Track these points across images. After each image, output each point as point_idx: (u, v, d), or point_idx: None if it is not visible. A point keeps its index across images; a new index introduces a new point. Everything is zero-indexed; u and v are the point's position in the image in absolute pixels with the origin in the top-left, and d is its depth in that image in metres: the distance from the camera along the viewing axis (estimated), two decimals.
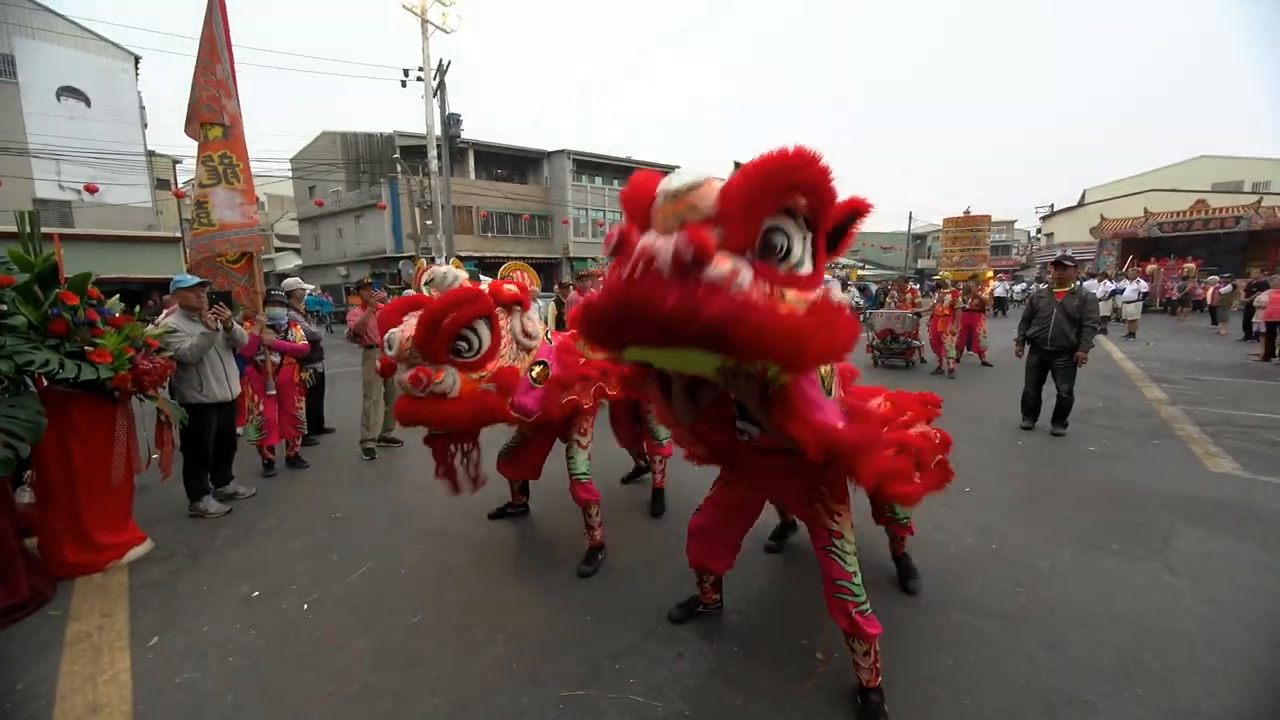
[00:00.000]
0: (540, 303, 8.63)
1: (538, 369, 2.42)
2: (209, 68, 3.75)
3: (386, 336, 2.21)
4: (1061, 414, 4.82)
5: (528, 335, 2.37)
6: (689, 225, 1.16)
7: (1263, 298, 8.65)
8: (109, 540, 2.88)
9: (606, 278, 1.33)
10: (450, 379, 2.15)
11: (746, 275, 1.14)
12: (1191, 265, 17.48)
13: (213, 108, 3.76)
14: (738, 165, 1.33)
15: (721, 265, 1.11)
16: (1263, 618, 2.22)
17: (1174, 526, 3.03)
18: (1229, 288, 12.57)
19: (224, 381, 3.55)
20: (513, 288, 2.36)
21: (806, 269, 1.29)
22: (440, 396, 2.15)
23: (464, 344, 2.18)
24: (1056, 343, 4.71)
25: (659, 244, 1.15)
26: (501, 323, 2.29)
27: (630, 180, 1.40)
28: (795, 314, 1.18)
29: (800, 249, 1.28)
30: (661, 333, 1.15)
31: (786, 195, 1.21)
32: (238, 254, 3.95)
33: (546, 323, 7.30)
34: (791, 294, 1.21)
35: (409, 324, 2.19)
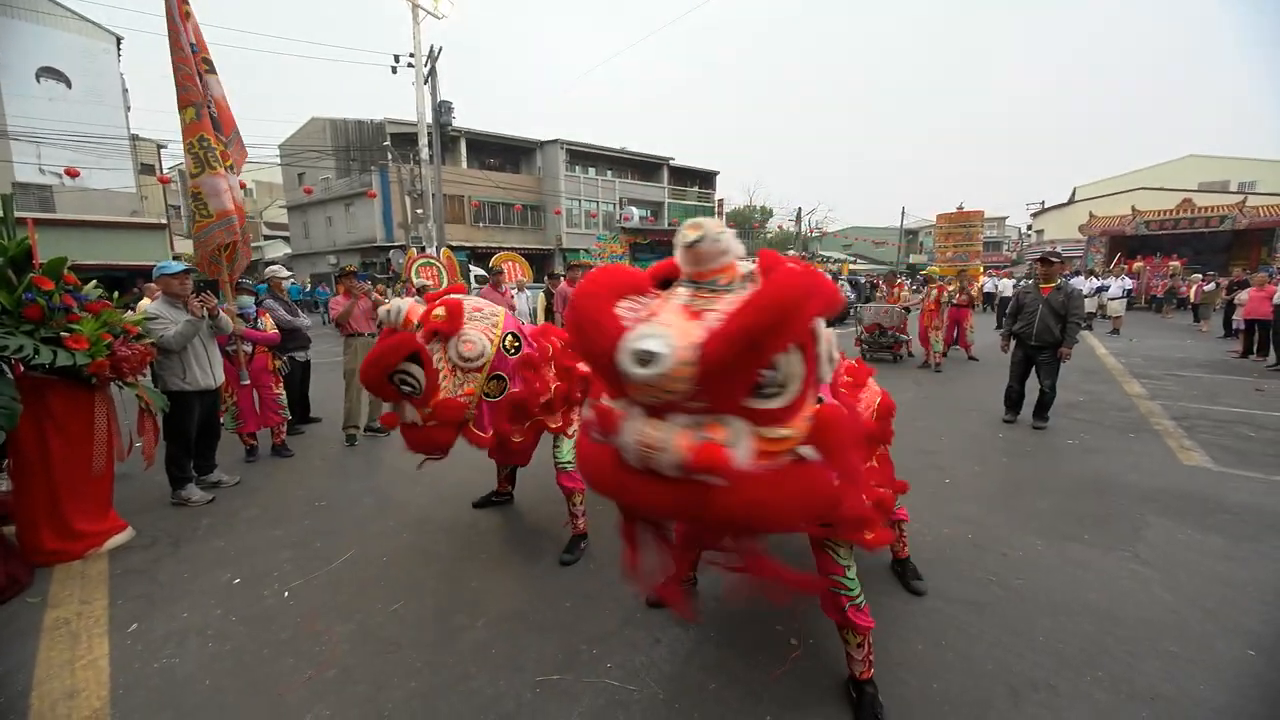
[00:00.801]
0: (529, 293, 8.62)
1: (492, 384, 2.44)
2: (176, 40, 3.57)
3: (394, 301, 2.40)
4: (1043, 408, 4.90)
5: (465, 359, 2.34)
6: (689, 432, 1.10)
7: (1243, 295, 8.80)
8: (88, 528, 2.86)
9: (594, 448, 1.24)
10: (409, 413, 2.32)
11: (745, 452, 1.11)
12: (1177, 263, 17.72)
13: (188, 87, 3.59)
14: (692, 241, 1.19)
15: (728, 466, 1.07)
16: (1223, 605, 2.29)
17: (1145, 518, 3.10)
18: (1212, 285, 12.76)
19: (208, 370, 3.52)
20: (440, 313, 2.32)
21: (794, 388, 1.17)
22: (410, 425, 2.35)
23: (408, 386, 2.28)
24: (1041, 338, 4.77)
25: (655, 438, 1.10)
26: (435, 356, 2.31)
27: (577, 314, 1.22)
28: (793, 485, 1.15)
29: (791, 367, 1.17)
30: (663, 520, 1.22)
31: (773, 354, 1.11)
32: (229, 242, 3.86)
33: (536, 313, 7.30)
34: (787, 430, 1.16)
35: None
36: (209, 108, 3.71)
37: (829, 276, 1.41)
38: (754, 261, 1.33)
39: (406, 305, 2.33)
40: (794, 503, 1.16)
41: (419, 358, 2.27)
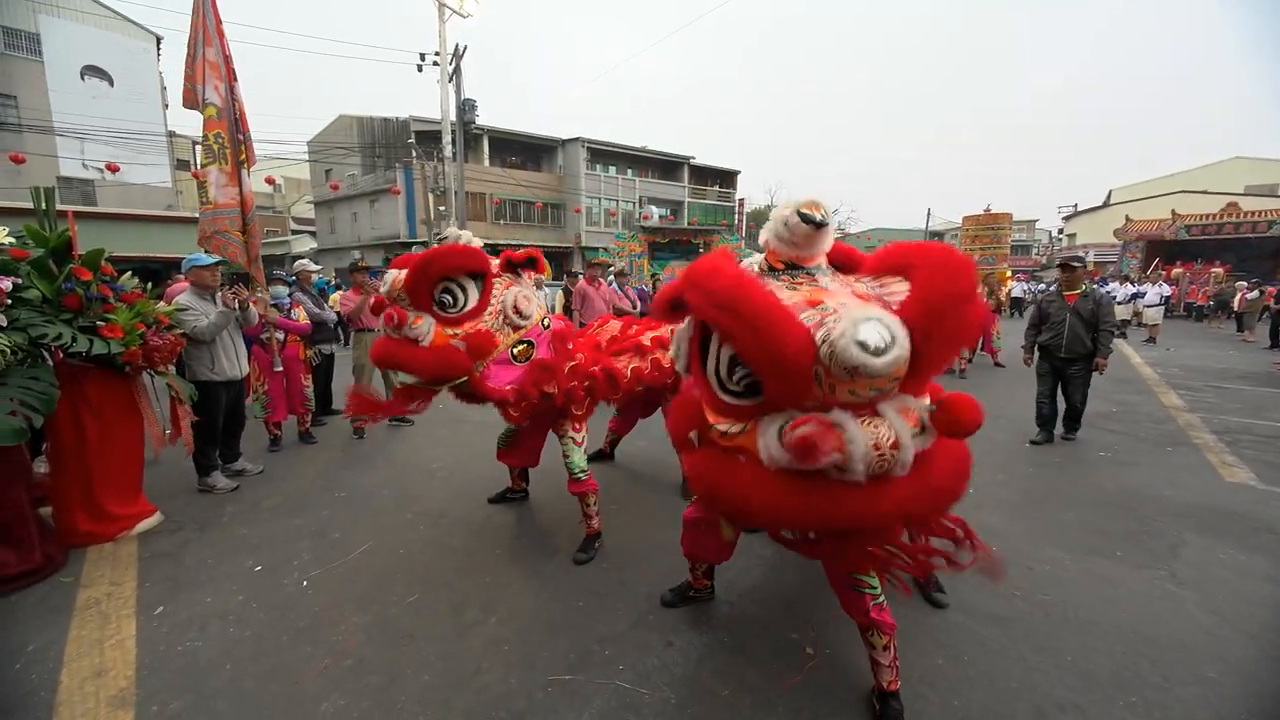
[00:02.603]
0: (547, 290, 8.64)
1: (520, 347, 2.38)
2: (201, 49, 3.77)
3: (385, 275, 2.28)
4: (1074, 419, 4.67)
5: (519, 313, 2.32)
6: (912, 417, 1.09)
7: None
8: (120, 511, 2.96)
9: (827, 458, 1.07)
10: (426, 327, 2.15)
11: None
12: (1219, 270, 16.98)
13: (207, 88, 3.79)
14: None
15: (979, 413, 1.07)
16: (1266, 630, 2.17)
17: (1182, 535, 2.97)
18: (1256, 293, 12.19)
19: (234, 360, 3.61)
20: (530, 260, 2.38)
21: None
22: (413, 341, 2.16)
23: (449, 297, 2.18)
24: (1071, 350, 4.45)
25: (891, 437, 1.05)
26: (495, 289, 2.26)
27: (743, 312, 1.07)
28: (962, 449, 1.20)
29: None
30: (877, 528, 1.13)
31: (968, 324, 1.11)
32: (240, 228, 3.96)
33: (552, 310, 7.31)
34: (926, 401, 1.18)
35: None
36: (231, 113, 3.87)
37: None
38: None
39: (478, 242, 2.30)
40: (967, 469, 1.17)
41: (483, 279, 2.23)
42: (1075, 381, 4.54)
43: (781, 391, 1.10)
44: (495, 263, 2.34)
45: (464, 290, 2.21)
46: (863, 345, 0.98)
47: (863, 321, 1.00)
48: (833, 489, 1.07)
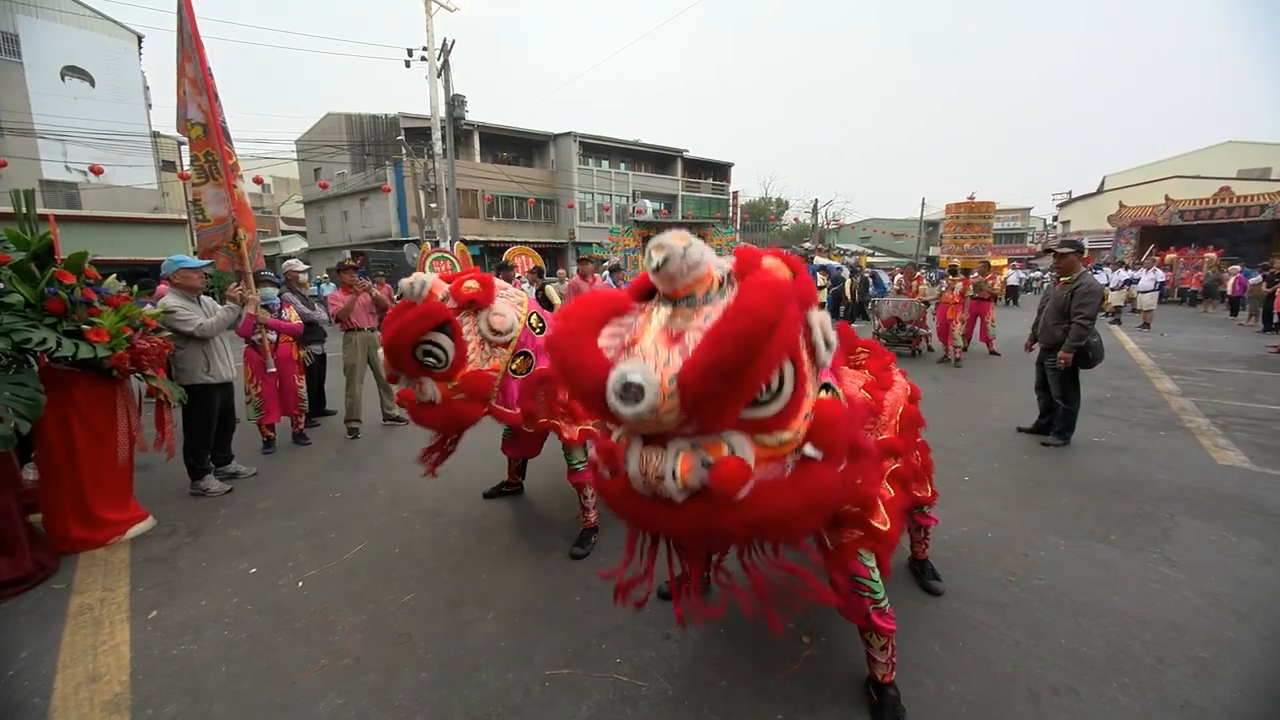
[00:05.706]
0: (526, 285, 8.57)
1: (519, 360, 2.39)
2: (183, 67, 3.80)
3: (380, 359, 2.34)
4: (1058, 423, 4.26)
5: (496, 332, 2.32)
6: (705, 462, 1.08)
7: None
8: (111, 517, 2.93)
9: (608, 475, 1.21)
10: (430, 389, 2.24)
11: (750, 461, 1.09)
12: (1212, 255, 17.06)
13: (190, 106, 3.83)
14: (643, 230, 1.14)
15: (737, 485, 1.06)
16: (1258, 610, 2.19)
17: (1175, 518, 2.99)
18: (1257, 278, 12.23)
19: (228, 362, 3.60)
20: (473, 284, 2.29)
21: (788, 391, 1.13)
22: (429, 404, 2.26)
23: (432, 359, 2.21)
24: (1044, 339, 4.31)
25: (656, 467, 1.09)
26: (465, 328, 2.26)
27: (560, 356, 1.18)
28: (800, 489, 1.13)
29: (782, 372, 1.12)
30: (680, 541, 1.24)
31: (757, 378, 1.06)
32: (223, 244, 3.99)
33: (558, 302, 7.24)
34: (788, 434, 1.14)
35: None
36: (215, 125, 3.84)
37: (805, 262, 1.34)
38: (730, 262, 1.22)
39: (430, 279, 2.27)
40: (804, 508, 1.13)
41: (449, 328, 2.23)
42: (1051, 374, 4.32)
43: (601, 417, 1.22)
44: (447, 297, 2.27)
45: (439, 346, 2.22)
46: (619, 394, 1.04)
47: (626, 372, 1.04)
48: (643, 499, 1.17)
